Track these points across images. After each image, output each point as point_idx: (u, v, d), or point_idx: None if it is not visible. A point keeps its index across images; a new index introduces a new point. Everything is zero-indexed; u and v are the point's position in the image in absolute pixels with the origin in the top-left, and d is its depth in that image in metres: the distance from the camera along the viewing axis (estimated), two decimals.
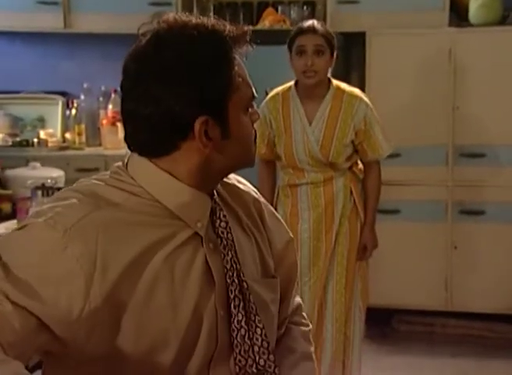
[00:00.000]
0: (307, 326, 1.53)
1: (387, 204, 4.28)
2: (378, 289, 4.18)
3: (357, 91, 3.19)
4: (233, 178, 1.44)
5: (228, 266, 1.29)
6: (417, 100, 4.26)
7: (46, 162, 4.03)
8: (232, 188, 1.41)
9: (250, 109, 1.30)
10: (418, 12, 4.29)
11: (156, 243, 1.21)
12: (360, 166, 3.25)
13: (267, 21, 4.45)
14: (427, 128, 4.25)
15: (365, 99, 3.15)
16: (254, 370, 1.29)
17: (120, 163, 1.30)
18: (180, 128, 1.22)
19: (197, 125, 1.21)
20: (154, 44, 1.22)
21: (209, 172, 1.26)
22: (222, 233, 1.30)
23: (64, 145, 4.62)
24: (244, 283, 1.30)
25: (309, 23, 3.10)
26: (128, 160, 1.29)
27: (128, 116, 1.25)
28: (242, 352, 1.28)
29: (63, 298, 1.13)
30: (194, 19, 1.25)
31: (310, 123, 3.10)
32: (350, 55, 4.64)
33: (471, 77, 4.21)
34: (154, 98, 1.20)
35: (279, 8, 4.57)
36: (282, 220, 1.51)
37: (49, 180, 2.98)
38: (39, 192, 2.84)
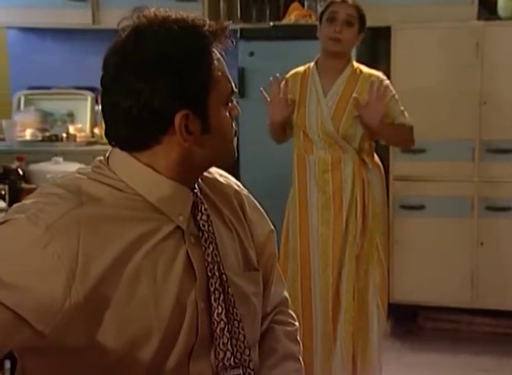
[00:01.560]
0: (293, 325, 1.53)
1: (412, 199, 4.26)
2: (404, 285, 4.16)
3: (375, 71, 3.20)
4: (215, 172, 1.44)
5: (209, 259, 1.29)
6: (444, 95, 4.21)
7: (74, 156, 4.09)
8: (213, 182, 1.41)
9: (230, 104, 1.30)
10: (446, 5, 4.24)
11: (139, 238, 1.22)
12: (376, 158, 3.23)
13: (293, 16, 4.44)
14: (453, 123, 4.20)
15: (382, 77, 3.16)
16: (232, 363, 1.30)
17: (102, 158, 1.31)
18: (161, 122, 1.23)
19: (177, 119, 1.22)
20: (134, 38, 1.23)
21: (190, 165, 1.27)
22: (204, 226, 1.31)
23: (92, 140, 4.68)
24: (224, 276, 1.31)
25: None
26: (109, 155, 1.30)
27: (108, 110, 1.26)
28: (221, 345, 1.29)
29: (43, 291, 1.14)
30: (174, 14, 1.26)
31: (325, 96, 3.13)
32: (376, 49, 4.61)
33: (498, 72, 4.14)
34: (133, 92, 1.21)
35: (305, 3, 4.56)
36: (263, 211, 1.51)
37: None
38: None
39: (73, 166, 3.54)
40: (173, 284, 1.24)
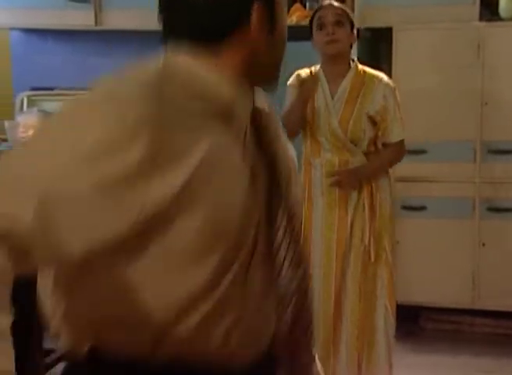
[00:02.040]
0: None
1: (413, 200, 4.26)
2: (405, 286, 4.16)
3: (379, 73, 3.23)
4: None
5: (269, 169, 1.26)
6: (445, 95, 4.22)
7: None
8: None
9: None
10: (447, 6, 4.25)
11: (212, 142, 1.15)
12: None
13: (294, 17, 4.44)
14: (454, 124, 4.21)
15: (386, 79, 3.20)
16: (289, 276, 1.27)
17: (158, 61, 1.22)
18: (234, 15, 1.19)
19: (254, 11, 1.19)
20: None
21: (253, 68, 1.22)
22: (262, 132, 1.27)
23: None
24: (282, 188, 1.27)
25: (327, 1, 3.22)
26: (167, 59, 1.21)
27: (176, 4, 1.21)
28: (276, 261, 1.25)
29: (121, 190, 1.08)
30: None
31: (332, 98, 3.16)
32: (377, 50, 4.61)
33: (499, 73, 4.15)
34: None
35: (307, 4, 4.56)
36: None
37: None
38: None
39: None
40: (241, 192, 1.19)
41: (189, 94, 1.16)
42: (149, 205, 1.09)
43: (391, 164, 3.29)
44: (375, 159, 3.19)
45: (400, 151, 3.25)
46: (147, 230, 1.11)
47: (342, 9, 3.15)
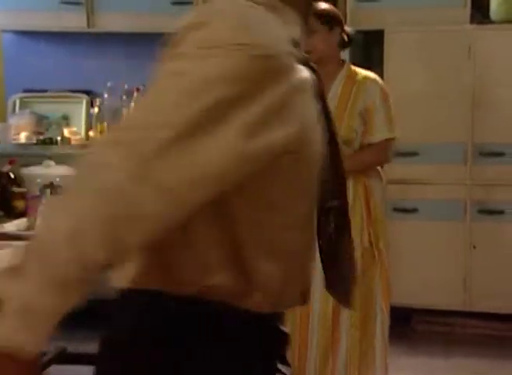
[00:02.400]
0: None
1: (405, 203, 4.27)
2: (397, 288, 4.15)
3: (370, 72, 3.22)
4: None
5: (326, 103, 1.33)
6: (436, 98, 4.23)
7: (69, 159, 4.10)
8: None
9: None
10: (439, 8, 4.26)
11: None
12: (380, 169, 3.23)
13: None
14: (446, 126, 4.22)
15: (378, 80, 3.19)
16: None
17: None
18: None
19: None
20: None
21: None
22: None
23: (87, 143, 4.69)
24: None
25: None
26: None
27: None
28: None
29: None
30: None
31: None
32: (369, 52, 4.62)
33: (491, 75, 4.16)
34: None
35: None
36: None
37: (57, 179, 3.03)
38: (48, 191, 2.90)
39: (63, 170, 3.54)
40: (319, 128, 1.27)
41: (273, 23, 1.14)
42: (274, 147, 1.10)
43: (370, 165, 3.15)
44: (353, 154, 3.08)
45: (381, 152, 3.15)
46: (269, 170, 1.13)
47: (315, 16, 2.98)
